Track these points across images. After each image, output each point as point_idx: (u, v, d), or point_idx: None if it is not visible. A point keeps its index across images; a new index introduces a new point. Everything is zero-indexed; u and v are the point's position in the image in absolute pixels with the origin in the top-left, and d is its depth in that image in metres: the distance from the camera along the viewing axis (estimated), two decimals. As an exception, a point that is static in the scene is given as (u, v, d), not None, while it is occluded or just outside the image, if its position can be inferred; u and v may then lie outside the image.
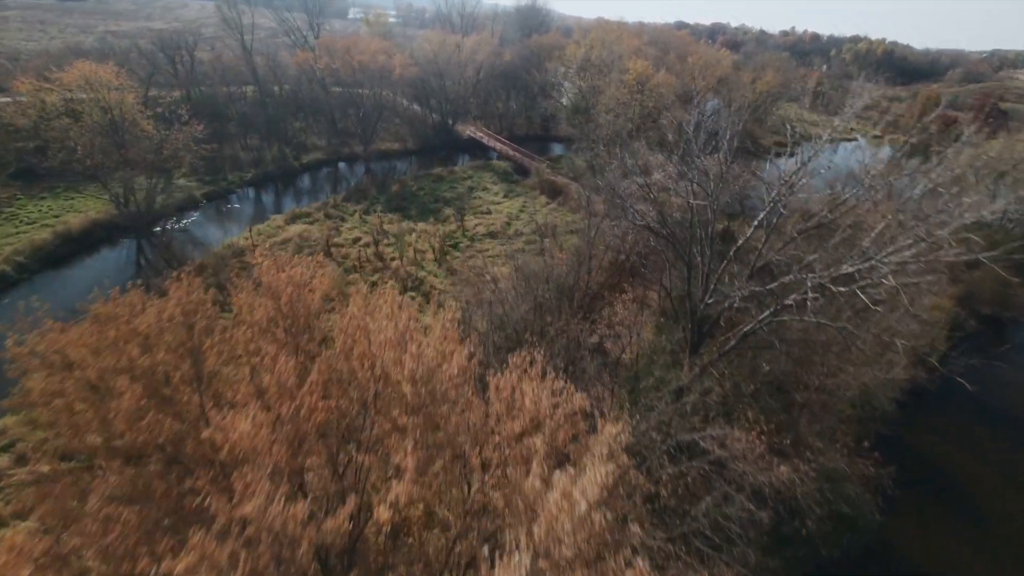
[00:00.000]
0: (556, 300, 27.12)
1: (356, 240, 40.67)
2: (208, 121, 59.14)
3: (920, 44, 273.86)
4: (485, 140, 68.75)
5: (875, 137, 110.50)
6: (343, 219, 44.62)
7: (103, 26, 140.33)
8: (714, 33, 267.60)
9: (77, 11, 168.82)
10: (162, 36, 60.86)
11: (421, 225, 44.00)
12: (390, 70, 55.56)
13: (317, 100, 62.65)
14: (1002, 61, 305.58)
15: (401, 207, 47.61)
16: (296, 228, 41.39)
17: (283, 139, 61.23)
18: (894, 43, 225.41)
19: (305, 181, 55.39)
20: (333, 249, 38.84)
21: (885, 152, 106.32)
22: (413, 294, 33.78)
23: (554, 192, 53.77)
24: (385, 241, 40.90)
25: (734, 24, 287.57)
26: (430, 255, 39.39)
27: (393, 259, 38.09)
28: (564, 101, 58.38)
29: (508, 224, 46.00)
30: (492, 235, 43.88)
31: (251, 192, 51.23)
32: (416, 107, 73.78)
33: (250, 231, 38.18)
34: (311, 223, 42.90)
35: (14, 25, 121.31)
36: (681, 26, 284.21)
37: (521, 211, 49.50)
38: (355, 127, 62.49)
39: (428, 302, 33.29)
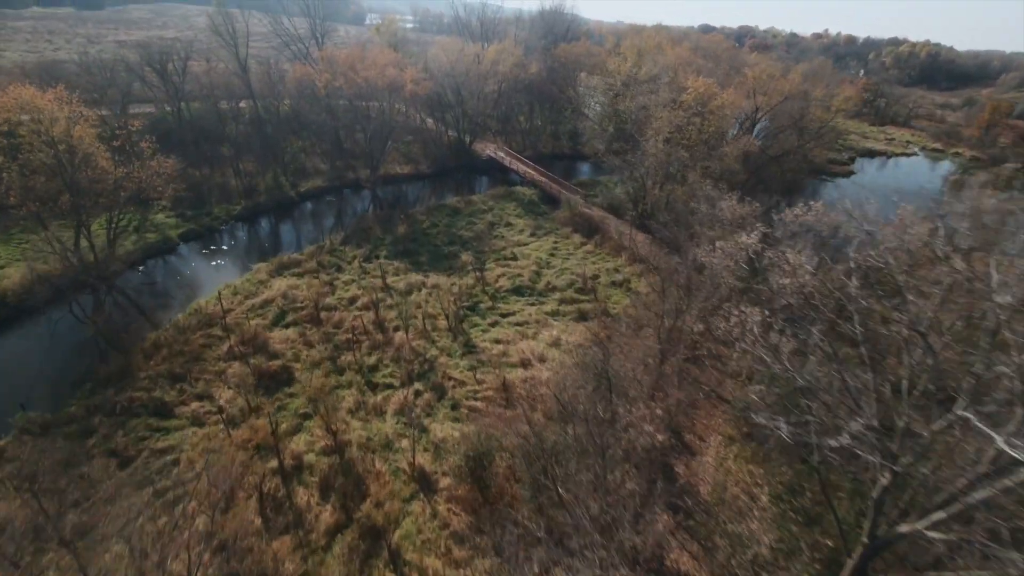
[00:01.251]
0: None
1: (353, 301, 33.10)
2: (196, 144, 52.92)
3: (959, 45, 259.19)
4: (507, 162, 61.01)
5: (934, 151, 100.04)
6: (340, 268, 37.18)
7: (113, 36, 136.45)
8: (741, 36, 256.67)
9: (92, 20, 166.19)
10: (148, 48, 54.40)
11: (432, 278, 36.31)
12: (401, 85, 48.28)
13: (319, 118, 55.57)
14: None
15: (409, 251, 40.03)
16: (282, 283, 34.01)
17: (280, 162, 54.27)
18: (937, 45, 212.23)
19: (302, 214, 48.21)
20: (324, 313, 31.39)
21: (944, 167, 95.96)
22: (420, 387, 26.05)
23: (590, 229, 45.71)
24: (388, 301, 33.31)
25: (762, 27, 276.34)
26: (443, 321, 31.65)
27: (397, 328, 30.45)
28: (600, 124, 50.12)
29: (538, 274, 38.07)
30: (519, 290, 35.97)
31: (239, 229, 44.14)
32: (430, 122, 66.50)
33: (219, 296, 30.77)
34: (301, 275, 35.49)
35: (22, 36, 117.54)
36: (707, 29, 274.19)
37: (552, 255, 41.54)
38: (361, 147, 55.34)
39: (440, 399, 25.53)
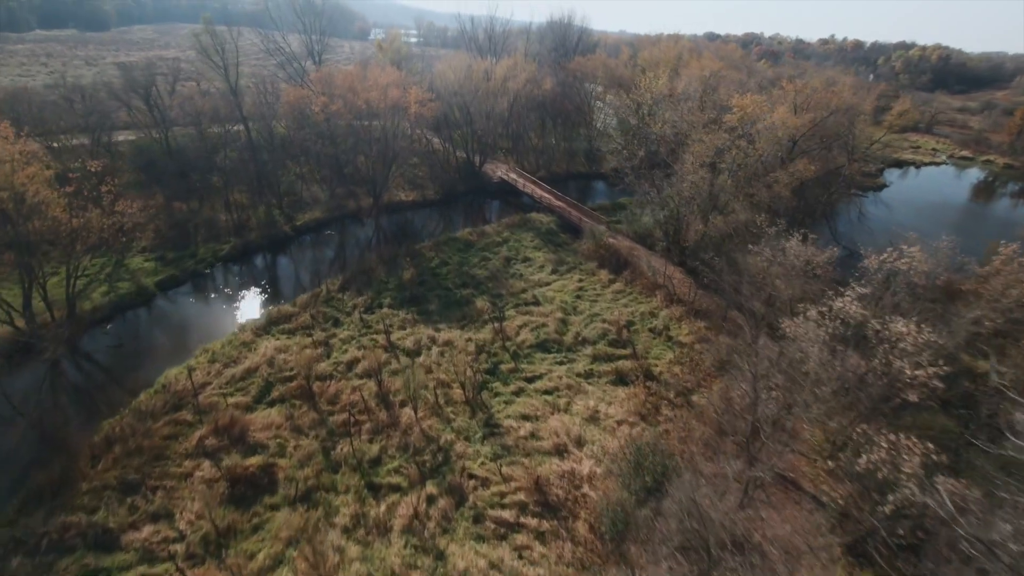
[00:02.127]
0: None
1: (352, 365, 27.78)
2: (183, 174, 48.09)
3: (963, 47, 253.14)
4: (520, 185, 55.80)
5: (963, 158, 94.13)
6: (337, 321, 31.89)
7: (113, 57, 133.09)
8: (747, 43, 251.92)
9: (93, 42, 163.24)
10: (130, 71, 49.70)
11: (444, 332, 30.96)
12: (405, 107, 43.29)
13: (317, 144, 50.61)
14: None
15: (417, 297, 34.73)
16: (269, 345, 28.75)
17: (275, 192, 49.31)
18: (946, 48, 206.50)
19: (298, 251, 43.02)
20: (317, 384, 26.10)
21: (972, 174, 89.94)
22: (434, 488, 20.64)
23: (617, 264, 40.33)
24: (393, 364, 27.98)
25: (767, 33, 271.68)
26: (458, 391, 26.28)
27: (404, 403, 25.11)
28: (627, 147, 44.46)
29: (564, 322, 32.68)
30: (544, 345, 30.56)
31: (226, 273, 38.98)
32: (436, 141, 61.47)
33: (189, 374, 25.50)
34: (292, 333, 30.27)
35: (16, 60, 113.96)
36: (713, 37, 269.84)
37: (578, 297, 36.18)
38: (363, 172, 50.33)
39: (459, 506, 20.10)
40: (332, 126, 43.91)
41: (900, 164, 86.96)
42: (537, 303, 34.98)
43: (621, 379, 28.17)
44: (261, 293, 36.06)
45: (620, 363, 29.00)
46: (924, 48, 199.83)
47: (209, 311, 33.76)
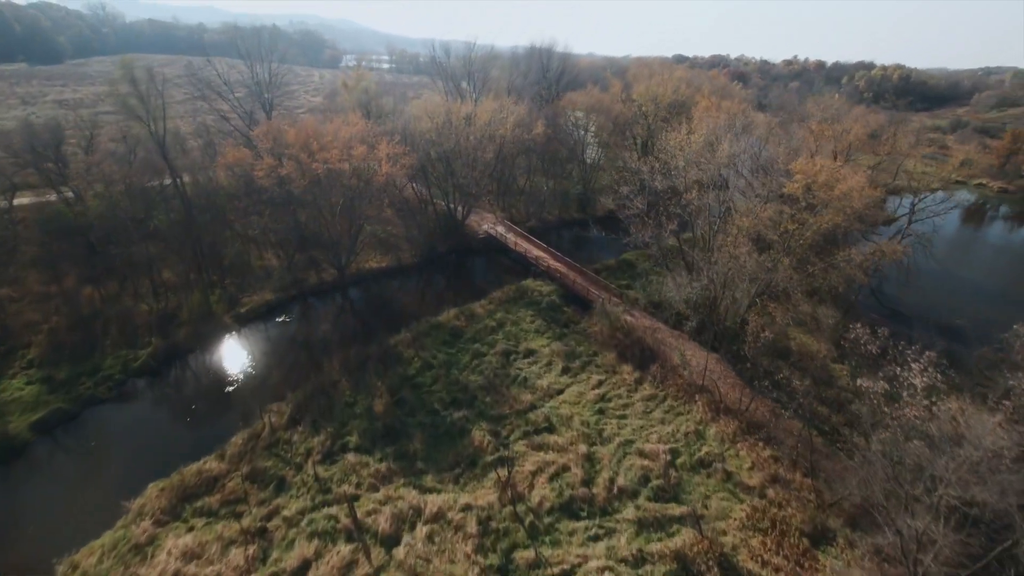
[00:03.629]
0: None
1: (305, 568, 18.52)
2: (100, 248, 38.14)
3: (916, 64, 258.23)
4: (511, 242, 47.31)
5: (956, 183, 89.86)
6: (282, 483, 22.46)
7: (57, 94, 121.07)
8: (714, 65, 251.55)
9: (40, 77, 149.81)
10: (32, 127, 39.56)
11: (432, 495, 21.86)
12: (374, 167, 34.42)
13: (271, 201, 41.14)
14: (997, 78, 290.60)
15: (393, 431, 25.54)
16: (175, 546, 19.15)
17: (218, 265, 39.74)
18: (907, 68, 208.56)
19: (238, 354, 33.19)
20: (244, 622, 16.75)
21: (961, 197, 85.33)
22: None
23: (641, 354, 31.92)
24: (363, 566, 18.79)
25: (733, 55, 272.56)
26: (459, 615, 17.29)
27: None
28: (653, 218, 35.57)
29: (591, 460, 24.00)
30: (571, 508, 21.77)
31: (135, 396, 28.96)
32: (412, 187, 52.52)
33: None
34: (213, 516, 20.77)
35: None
36: (681, 60, 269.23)
37: (600, 411, 27.60)
38: (327, 234, 41.00)
39: None
40: (285, 188, 34.65)
41: (897, 191, 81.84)
42: (551, 428, 26.19)
43: (681, 562, 19.56)
44: (177, 432, 26.21)
45: (677, 538, 20.38)
46: (885, 68, 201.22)
47: (94, 474, 23.69)
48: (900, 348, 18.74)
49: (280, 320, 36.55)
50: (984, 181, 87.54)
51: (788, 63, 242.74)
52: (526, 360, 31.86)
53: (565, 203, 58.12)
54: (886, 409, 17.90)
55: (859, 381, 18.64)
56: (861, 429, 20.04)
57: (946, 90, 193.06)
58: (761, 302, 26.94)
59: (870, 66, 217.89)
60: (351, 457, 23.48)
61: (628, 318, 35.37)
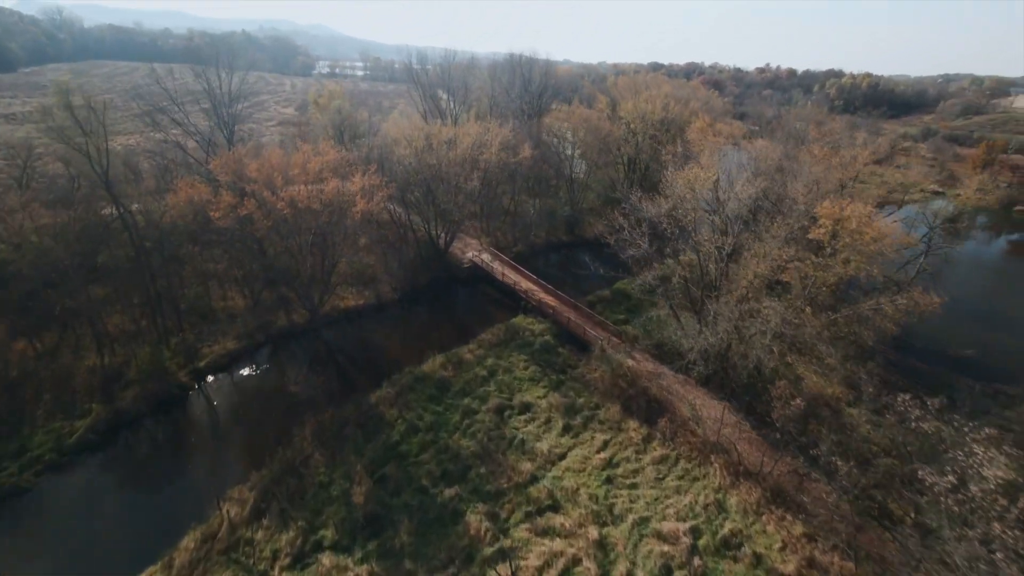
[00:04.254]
0: None
1: None
2: (39, 294, 33.60)
3: (880, 71, 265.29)
4: (497, 272, 44.15)
5: (934, 193, 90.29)
6: (244, 600, 18.89)
7: (2, 107, 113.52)
8: (689, 73, 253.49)
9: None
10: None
11: (424, 610, 18.54)
12: (348, 201, 30.78)
13: (232, 236, 36.95)
14: (956, 85, 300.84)
15: (377, 519, 21.98)
16: None
17: (172, 311, 35.51)
18: (875, 76, 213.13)
19: (194, 419, 29.13)
20: None
21: (938, 206, 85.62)
22: None
23: (647, 405, 29.07)
24: None
25: (706, 62, 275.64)
26: None
27: None
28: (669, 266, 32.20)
29: (603, 547, 20.89)
30: (586, 616, 18.71)
31: (72, 477, 24.82)
32: (392, 209, 48.77)
33: None
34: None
35: None
36: (656, 67, 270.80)
37: (609, 480, 24.59)
38: (297, 270, 36.97)
39: None
40: (246, 229, 30.75)
41: (881, 204, 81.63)
42: (555, 505, 23.03)
43: None
44: (115, 535, 22.07)
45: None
46: (855, 76, 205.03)
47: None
48: (957, 426, 16.19)
49: (245, 373, 32.59)
50: (961, 192, 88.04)
51: (761, 71, 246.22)
52: (522, 417, 28.68)
53: (552, 225, 55.26)
54: (955, 507, 15.31)
55: (919, 471, 16.03)
56: (924, 521, 17.48)
57: (913, 98, 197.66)
58: (779, 351, 24.38)
59: (839, 74, 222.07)
60: (326, 560, 19.89)
61: (630, 362, 32.55)
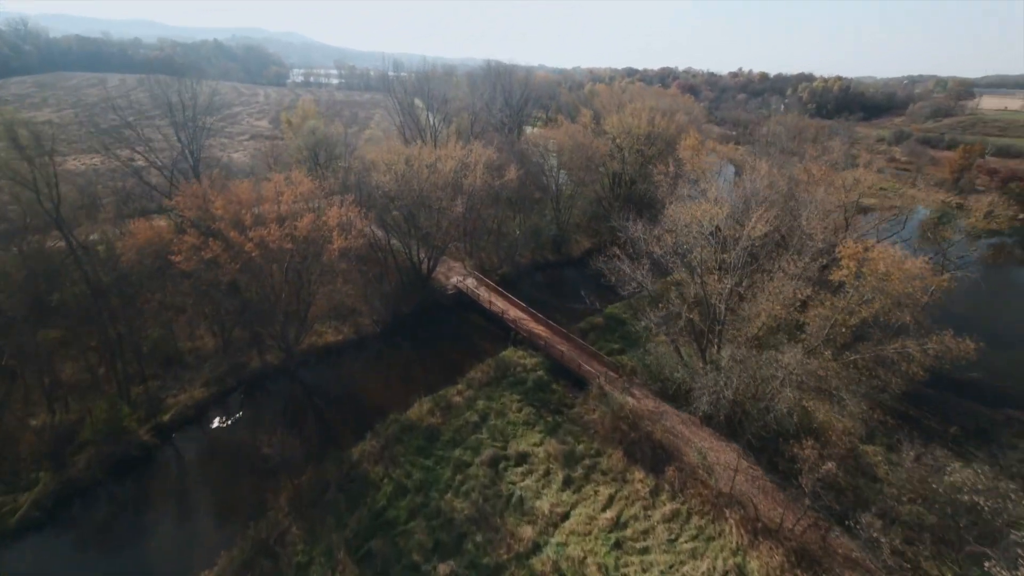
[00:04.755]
0: None
1: None
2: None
3: (842, 73, 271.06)
4: (483, 300, 41.92)
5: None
6: None
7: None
8: (664, 78, 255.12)
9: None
10: None
11: None
12: (324, 239, 28.20)
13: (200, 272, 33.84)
14: (922, 87, 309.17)
15: (362, 606, 19.63)
16: None
17: (133, 355, 32.38)
18: (846, 79, 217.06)
19: (154, 488, 26.06)
20: None
21: (919, 213, 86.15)
22: None
23: (652, 451, 27.12)
24: None
25: (681, 67, 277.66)
26: None
27: None
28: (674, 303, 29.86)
29: (617, 630, 18.84)
30: None
31: (6, 564, 21.78)
32: (372, 232, 46.05)
33: None
34: None
35: None
36: (631, 72, 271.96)
37: (617, 542, 22.46)
38: (270, 305, 34.03)
39: None
40: (212, 272, 27.92)
41: (865, 211, 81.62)
42: (561, 577, 20.89)
43: None
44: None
45: None
46: (826, 80, 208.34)
47: None
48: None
49: (215, 425, 29.70)
50: (943, 197, 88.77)
51: (734, 75, 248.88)
52: (519, 469, 26.43)
53: (538, 244, 53.23)
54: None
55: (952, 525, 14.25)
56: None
57: (883, 101, 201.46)
58: (797, 397, 22.64)
59: (810, 78, 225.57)
60: (305, 666, 17.38)
61: (630, 400, 30.62)
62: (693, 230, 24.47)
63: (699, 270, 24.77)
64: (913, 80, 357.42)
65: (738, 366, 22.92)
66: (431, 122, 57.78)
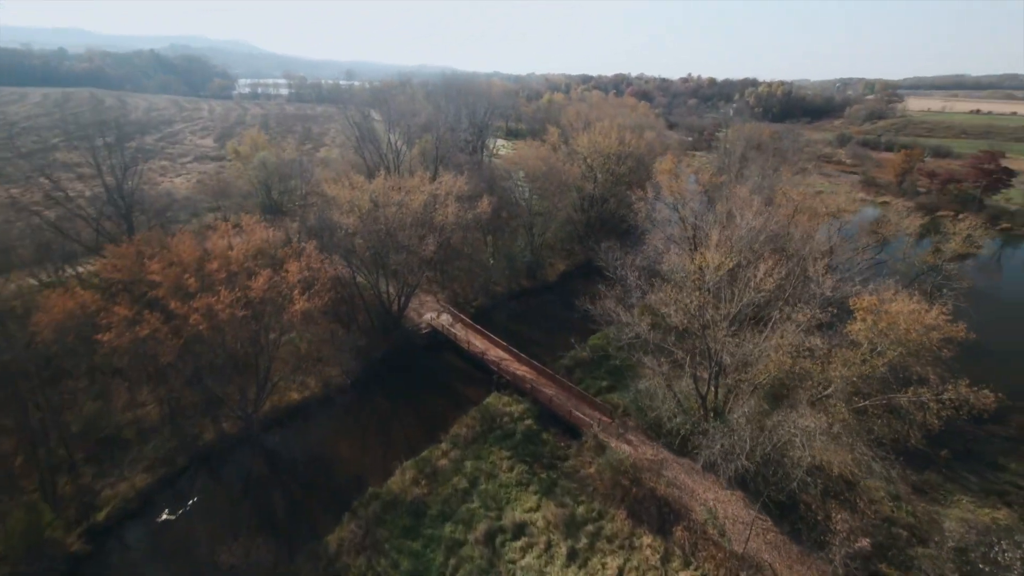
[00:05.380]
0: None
1: None
2: None
3: (777, 76, 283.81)
4: (461, 341, 39.21)
5: (862, 201, 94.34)
6: None
7: None
8: (618, 84, 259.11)
9: None
10: None
11: None
12: (284, 297, 24.86)
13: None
14: (853, 89, 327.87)
15: None
16: None
17: (60, 437, 27.80)
18: (788, 84, 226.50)
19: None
20: None
21: (869, 213, 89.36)
22: None
23: (656, 507, 25.24)
24: None
25: (634, 74, 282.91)
26: None
27: None
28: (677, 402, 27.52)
29: None
30: None
31: None
32: (338, 270, 42.47)
33: None
34: None
35: None
36: (586, 79, 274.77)
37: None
38: (222, 371, 30.09)
39: None
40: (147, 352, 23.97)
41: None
42: None
43: None
44: None
45: None
46: (770, 84, 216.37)
47: None
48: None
49: (163, 519, 25.67)
50: (889, 200, 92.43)
51: (685, 80, 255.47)
52: (518, 544, 23.88)
53: (513, 271, 50.89)
54: None
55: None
56: None
57: (822, 104, 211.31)
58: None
59: (755, 83, 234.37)
60: None
61: (626, 448, 28.72)
62: (691, 281, 22.84)
63: (699, 322, 23.11)
64: (845, 83, 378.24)
65: (750, 426, 21.31)
66: (392, 143, 54.50)
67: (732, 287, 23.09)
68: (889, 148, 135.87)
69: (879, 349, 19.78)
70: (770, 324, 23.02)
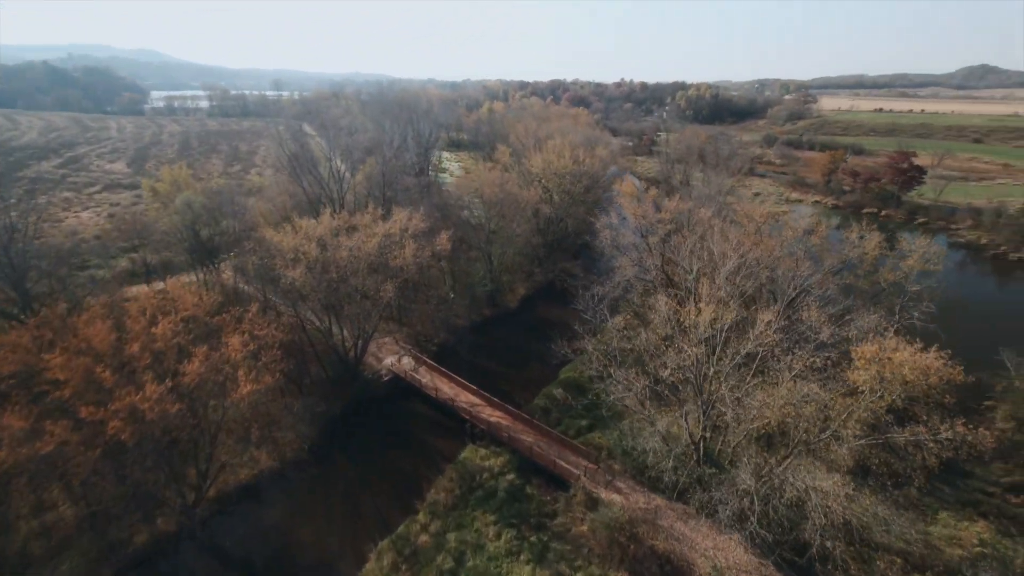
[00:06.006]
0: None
1: None
2: None
3: (702, 78, 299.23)
4: (428, 388, 36.45)
5: (796, 200, 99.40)
6: None
7: None
8: (555, 90, 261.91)
9: None
10: None
11: None
12: (229, 375, 21.35)
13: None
14: (771, 90, 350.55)
15: None
16: None
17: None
18: (714, 86, 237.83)
19: None
20: None
21: (803, 211, 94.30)
22: None
23: (662, 569, 23.81)
24: None
25: (569, 79, 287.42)
26: None
27: None
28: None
29: None
30: None
31: None
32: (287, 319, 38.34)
33: None
34: None
35: None
36: (523, 85, 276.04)
37: None
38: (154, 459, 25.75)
39: None
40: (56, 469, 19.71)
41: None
42: None
43: None
44: None
45: None
46: (699, 87, 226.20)
47: None
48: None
49: (87, 656, 21.30)
50: (819, 199, 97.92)
51: (618, 85, 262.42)
52: (516, 633, 21.69)
53: (474, 302, 48.54)
54: None
55: None
56: None
57: (746, 106, 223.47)
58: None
59: (684, 86, 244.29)
60: None
61: (617, 499, 27.23)
62: (687, 335, 21.68)
63: (695, 377, 22.02)
64: (763, 84, 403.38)
65: (760, 483, 20.34)
66: (334, 171, 50.59)
67: (728, 334, 22.17)
68: (811, 147, 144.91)
69: (880, 394, 19.42)
70: (766, 371, 22.37)
